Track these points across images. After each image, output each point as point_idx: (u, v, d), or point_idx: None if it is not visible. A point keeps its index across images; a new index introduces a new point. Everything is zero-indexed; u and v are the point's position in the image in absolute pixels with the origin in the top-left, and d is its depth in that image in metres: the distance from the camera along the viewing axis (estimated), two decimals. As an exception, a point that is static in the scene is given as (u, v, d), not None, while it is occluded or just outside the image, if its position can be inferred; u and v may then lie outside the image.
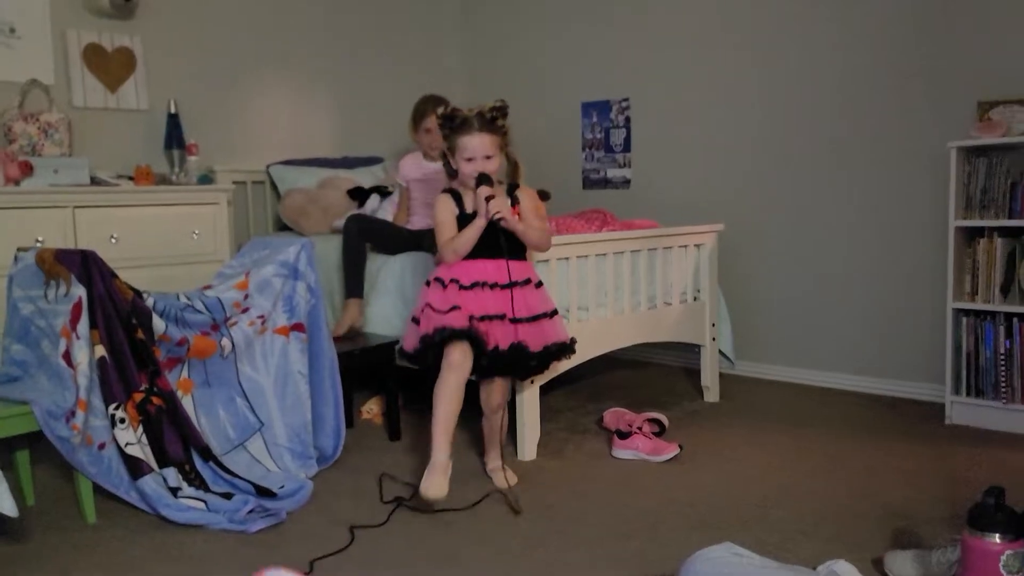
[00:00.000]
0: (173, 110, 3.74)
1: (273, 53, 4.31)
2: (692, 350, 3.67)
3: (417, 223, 3.65)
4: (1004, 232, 3.09)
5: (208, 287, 2.78)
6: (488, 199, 2.42)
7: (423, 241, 3.37)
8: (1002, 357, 3.07)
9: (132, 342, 2.46)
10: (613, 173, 4.51)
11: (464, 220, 2.50)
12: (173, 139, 3.71)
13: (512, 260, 2.49)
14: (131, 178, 3.51)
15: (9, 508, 1.96)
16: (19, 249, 2.61)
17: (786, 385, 3.89)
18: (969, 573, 1.65)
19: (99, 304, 2.39)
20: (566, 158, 4.69)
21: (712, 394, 3.60)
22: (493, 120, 2.48)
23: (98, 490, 2.41)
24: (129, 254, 3.25)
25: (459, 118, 2.48)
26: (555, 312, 2.60)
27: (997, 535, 1.62)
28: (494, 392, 2.62)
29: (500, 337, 2.45)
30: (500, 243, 2.46)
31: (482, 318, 2.44)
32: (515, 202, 2.52)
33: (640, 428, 2.92)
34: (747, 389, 3.81)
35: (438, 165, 3.62)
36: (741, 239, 3.97)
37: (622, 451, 2.88)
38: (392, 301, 3.37)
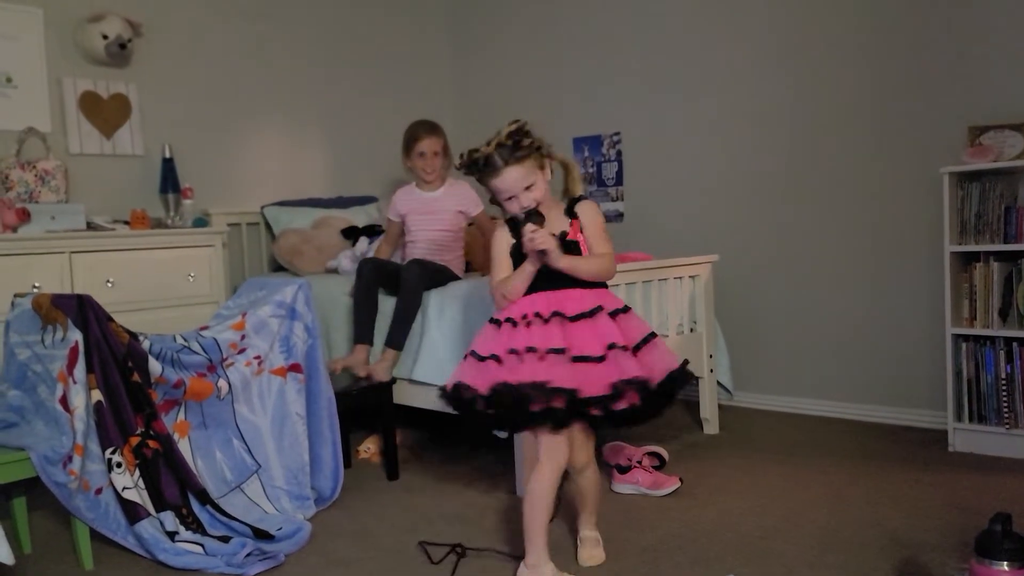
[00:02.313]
0: (168, 155, 3.77)
1: (265, 96, 4.35)
2: (690, 382, 3.64)
3: (418, 255, 3.54)
4: (1000, 256, 3.10)
5: (205, 328, 2.78)
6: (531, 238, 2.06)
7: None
8: (1003, 382, 3.06)
9: (128, 385, 2.45)
10: (606, 207, 4.53)
11: (518, 251, 2.15)
12: (168, 183, 3.74)
13: (576, 289, 2.11)
14: (127, 223, 3.53)
15: (5, 556, 1.93)
16: (16, 295, 2.61)
17: (786, 415, 3.87)
18: (977, 602, 1.63)
19: (95, 348, 2.39)
20: (559, 193, 4.70)
21: (712, 426, 3.58)
22: (516, 146, 2.12)
23: (95, 535, 2.38)
24: (125, 298, 3.25)
25: (481, 160, 2.13)
26: (648, 338, 2.14)
27: (1006, 563, 1.60)
28: (573, 454, 2.19)
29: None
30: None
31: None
32: (574, 218, 2.17)
33: (640, 462, 2.90)
34: (747, 420, 3.79)
35: (436, 193, 3.64)
36: (736, 269, 3.98)
37: (622, 485, 2.86)
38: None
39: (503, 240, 2.19)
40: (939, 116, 3.42)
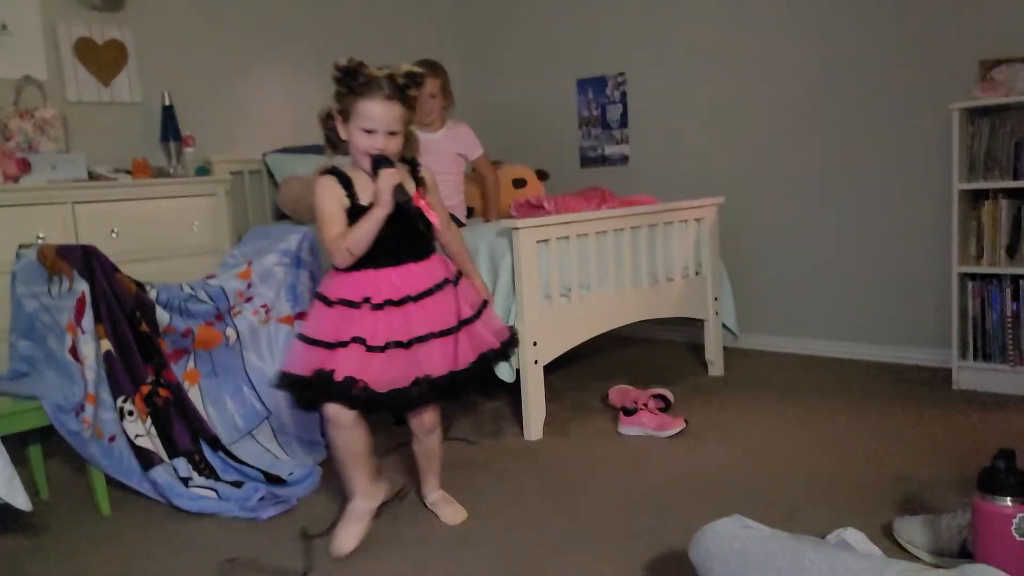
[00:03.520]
0: (167, 102, 3.73)
1: (265, 40, 4.27)
2: (695, 324, 3.66)
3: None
4: (1009, 194, 3.07)
5: (211, 277, 2.78)
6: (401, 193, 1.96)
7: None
8: (1009, 320, 3.06)
9: (137, 335, 2.46)
10: (611, 150, 4.49)
11: (357, 214, 1.99)
12: (168, 131, 3.70)
13: (422, 261, 2.06)
14: (128, 172, 3.51)
15: (23, 502, 1.97)
16: (21, 246, 2.62)
17: (790, 356, 3.89)
18: (981, 537, 1.65)
19: (102, 298, 2.39)
20: (562, 136, 4.66)
21: (716, 368, 3.60)
22: (405, 88, 1.99)
23: (111, 482, 2.43)
24: (130, 247, 3.25)
25: (363, 76, 1.97)
26: (484, 306, 2.18)
27: (1009, 498, 1.61)
28: (425, 414, 2.20)
29: (427, 363, 2.00)
30: (408, 236, 2.02)
31: (388, 345, 1.98)
32: (419, 184, 2.08)
33: (645, 404, 2.92)
34: (751, 362, 3.81)
35: (435, 134, 3.59)
36: (742, 211, 3.95)
37: (628, 428, 2.89)
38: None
39: (333, 193, 2.00)
40: (949, 50, 3.35)
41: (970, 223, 3.15)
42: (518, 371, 2.86)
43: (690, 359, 3.88)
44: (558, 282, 2.94)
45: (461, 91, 3.76)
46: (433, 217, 2.03)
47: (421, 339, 1.99)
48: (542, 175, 4.14)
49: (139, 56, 3.81)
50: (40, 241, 3.01)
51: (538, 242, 2.86)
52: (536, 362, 2.86)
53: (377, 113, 1.96)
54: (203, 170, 3.73)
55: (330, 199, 2.00)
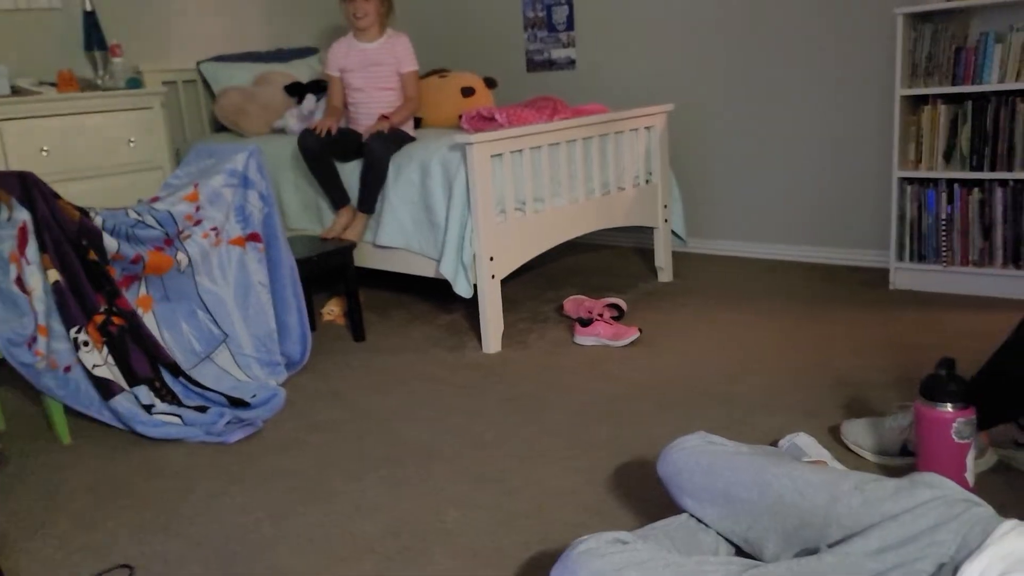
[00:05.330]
0: (89, 7, 3.51)
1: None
2: (644, 231, 3.71)
3: (363, 121, 3.45)
4: (948, 99, 3.15)
5: (156, 199, 2.69)
6: None
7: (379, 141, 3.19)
8: (943, 222, 3.19)
9: (85, 264, 2.39)
10: (557, 54, 4.41)
11: None
12: (93, 40, 3.50)
13: None
14: (54, 84, 3.32)
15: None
16: (-52, 172, 2.48)
17: (737, 260, 3.99)
18: (923, 440, 1.77)
19: (45, 227, 2.31)
20: (508, 39, 4.55)
21: (666, 274, 3.68)
22: None
23: (69, 411, 2.40)
24: (63, 167, 3.12)
25: None
26: None
27: (949, 404, 1.73)
28: None
29: None
30: None
31: None
32: None
33: (600, 315, 2.99)
34: (699, 267, 3.90)
35: (374, 44, 3.43)
36: (688, 118, 3.96)
37: (584, 338, 2.96)
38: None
39: None
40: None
41: (910, 128, 3.23)
42: (475, 286, 2.88)
43: (640, 265, 3.96)
44: (512, 196, 2.93)
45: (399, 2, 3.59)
46: None
47: None
48: (490, 83, 4.05)
49: (54, -43, 3.55)
50: (-33, 164, 2.86)
51: (492, 156, 2.84)
52: (493, 277, 2.88)
53: None
54: (135, 82, 3.55)
55: None
